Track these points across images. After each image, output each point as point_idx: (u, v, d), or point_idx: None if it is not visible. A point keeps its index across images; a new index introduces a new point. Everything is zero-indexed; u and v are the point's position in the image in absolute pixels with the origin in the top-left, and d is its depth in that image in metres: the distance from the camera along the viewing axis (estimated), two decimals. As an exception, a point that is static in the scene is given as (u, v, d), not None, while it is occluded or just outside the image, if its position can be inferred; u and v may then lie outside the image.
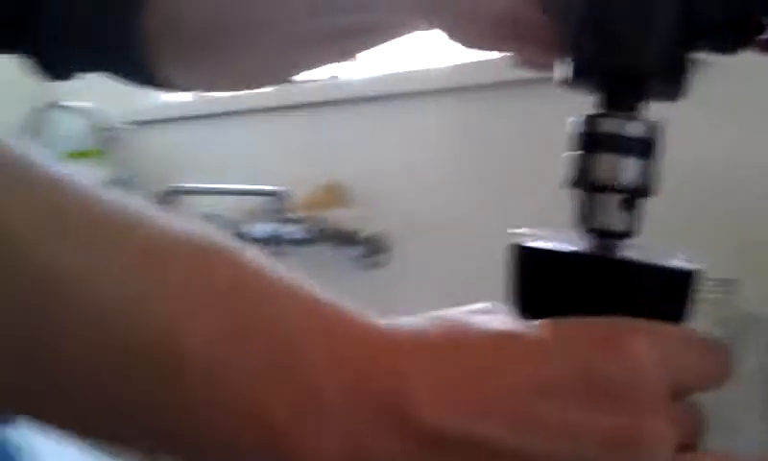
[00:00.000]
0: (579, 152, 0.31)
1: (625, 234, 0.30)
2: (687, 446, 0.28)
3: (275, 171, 1.32)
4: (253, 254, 0.27)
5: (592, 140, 0.30)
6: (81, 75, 0.55)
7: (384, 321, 0.27)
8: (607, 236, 0.30)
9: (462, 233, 1.06)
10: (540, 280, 0.30)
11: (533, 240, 0.30)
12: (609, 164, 0.30)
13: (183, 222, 0.26)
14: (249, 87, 0.59)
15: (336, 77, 1.34)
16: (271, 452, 0.25)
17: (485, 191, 1.04)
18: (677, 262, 0.29)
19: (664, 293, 0.29)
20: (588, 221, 0.31)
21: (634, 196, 0.30)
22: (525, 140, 1.01)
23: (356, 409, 0.25)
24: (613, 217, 0.30)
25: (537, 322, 0.28)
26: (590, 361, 0.26)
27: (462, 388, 0.26)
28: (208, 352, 0.24)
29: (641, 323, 0.28)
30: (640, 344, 0.26)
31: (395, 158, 1.17)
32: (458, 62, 1.09)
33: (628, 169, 0.30)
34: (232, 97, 1.54)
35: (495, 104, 1.05)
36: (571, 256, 0.30)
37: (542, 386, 0.26)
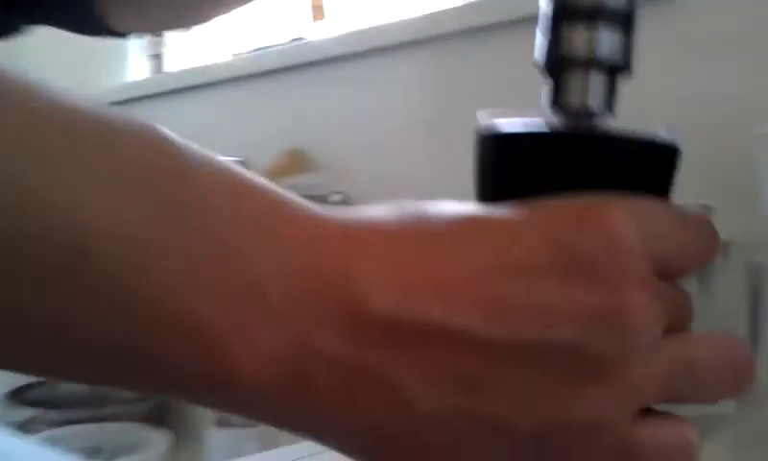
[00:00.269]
0: (551, 27, 0.28)
1: (601, 114, 0.27)
2: (677, 329, 0.25)
3: (238, 140, 1.28)
4: (176, 136, 0.23)
5: (566, 12, 0.27)
6: (25, 31, 0.51)
7: (330, 210, 0.24)
8: (582, 116, 0.27)
9: (429, 191, 1.03)
10: (513, 168, 0.27)
11: (500, 126, 0.27)
12: (583, 37, 0.27)
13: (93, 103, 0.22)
14: (195, 23, 0.55)
15: (295, 40, 1.31)
16: (200, 359, 0.22)
17: (453, 145, 1.01)
18: (660, 137, 0.27)
19: (647, 168, 0.26)
20: (560, 101, 0.27)
21: (610, 71, 0.27)
22: (492, 90, 0.98)
23: (299, 305, 0.22)
24: (589, 94, 0.27)
25: (503, 204, 0.25)
26: (563, 236, 0.23)
27: (419, 273, 0.23)
28: (117, 239, 0.21)
29: (618, 197, 0.24)
30: (617, 216, 0.23)
31: (357, 120, 1.14)
32: (420, 13, 1.06)
33: (604, 41, 0.27)
34: (192, 72, 1.50)
35: (458, 54, 1.02)
36: (546, 137, 0.27)
37: (510, 266, 0.23)
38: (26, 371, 0.23)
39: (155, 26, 0.62)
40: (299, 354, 0.22)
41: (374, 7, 1.21)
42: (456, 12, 1.02)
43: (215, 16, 0.54)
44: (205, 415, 1.06)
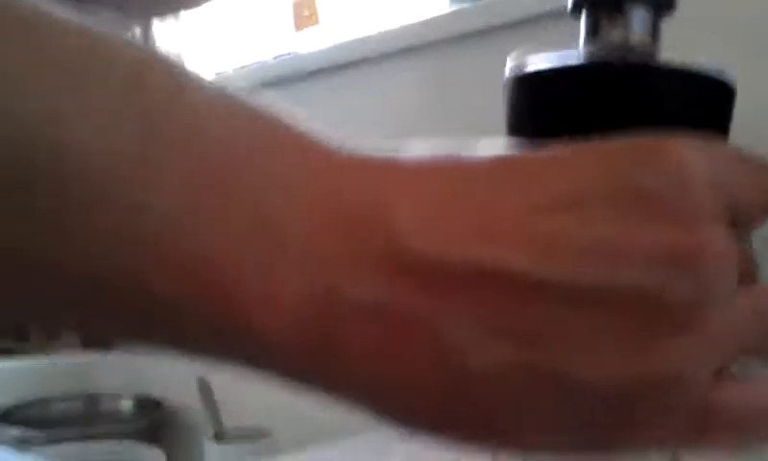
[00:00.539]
0: None
1: (646, 51, 0.25)
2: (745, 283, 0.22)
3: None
4: (169, 53, 0.21)
5: None
6: None
7: (351, 149, 0.21)
8: (626, 52, 0.25)
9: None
10: (557, 108, 0.24)
11: (538, 64, 0.25)
12: None
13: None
14: (182, 6, 0.53)
15: (281, 56, 1.29)
16: (203, 304, 0.19)
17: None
18: (714, 72, 0.24)
19: (704, 104, 0.24)
20: (600, 39, 0.25)
21: (653, 6, 0.25)
22: (491, 93, 0.96)
23: (323, 242, 0.19)
24: (631, 30, 0.25)
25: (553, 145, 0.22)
26: (623, 172, 0.20)
27: (460, 211, 0.20)
28: (113, 174, 0.18)
29: (680, 136, 0.21)
30: (684, 152, 0.20)
31: (353, 130, 1.12)
32: (411, 21, 1.04)
33: None
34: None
35: (454, 59, 1.00)
36: (593, 68, 0.24)
37: (564, 201, 0.20)
38: (37, 317, 0.21)
39: (138, 13, 0.60)
40: (325, 300, 0.19)
41: (363, 15, 1.18)
42: (450, 17, 1.00)
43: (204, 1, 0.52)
44: (201, 430, 1.03)
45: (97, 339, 1.42)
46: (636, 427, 0.20)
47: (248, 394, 1.02)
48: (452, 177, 0.21)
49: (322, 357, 0.20)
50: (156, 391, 1.26)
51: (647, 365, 0.20)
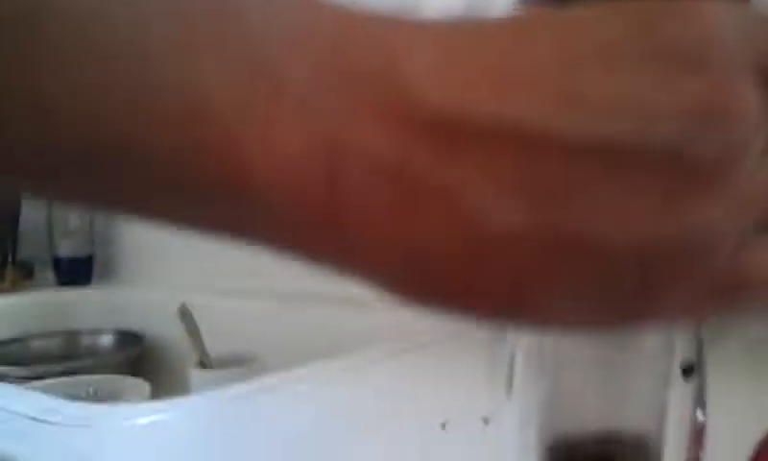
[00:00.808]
0: None
1: None
2: None
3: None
4: None
5: None
6: None
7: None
8: None
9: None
10: None
11: None
12: None
13: None
14: None
15: None
16: (200, 157, 0.17)
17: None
18: None
19: None
20: None
21: None
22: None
23: (328, 90, 0.18)
24: None
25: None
26: (649, 24, 0.19)
27: (477, 64, 0.18)
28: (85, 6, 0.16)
29: None
30: (713, 8, 0.19)
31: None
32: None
33: None
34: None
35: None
36: None
37: (585, 54, 0.18)
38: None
39: None
40: (329, 152, 0.18)
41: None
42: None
43: None
44: (185, 359, 1.02)
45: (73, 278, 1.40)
46: (662, 291, 0.19)
47: (230, 320, 1.01)
48: (467, 32, 0.19)
49: (328, 219, 0.18)
50: (136, 324, 1.25)
51: (674, 223, 0.18)
